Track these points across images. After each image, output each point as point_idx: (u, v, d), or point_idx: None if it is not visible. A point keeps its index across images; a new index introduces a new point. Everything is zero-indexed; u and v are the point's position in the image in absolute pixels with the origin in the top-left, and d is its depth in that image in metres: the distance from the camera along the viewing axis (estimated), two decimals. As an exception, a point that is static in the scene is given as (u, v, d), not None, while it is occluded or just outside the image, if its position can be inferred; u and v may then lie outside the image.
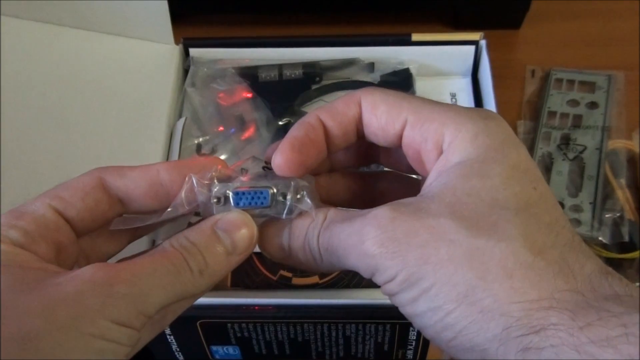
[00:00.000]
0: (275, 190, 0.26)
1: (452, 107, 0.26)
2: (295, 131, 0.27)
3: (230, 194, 0.26)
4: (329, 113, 0.27)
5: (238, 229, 0.26)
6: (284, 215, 0.26)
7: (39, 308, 0.21)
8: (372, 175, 0.32)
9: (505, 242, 0.22)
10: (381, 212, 0.24)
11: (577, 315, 0.20)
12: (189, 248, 0.24)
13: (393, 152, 0.30)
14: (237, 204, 0.26)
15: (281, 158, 0.26)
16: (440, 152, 0.25)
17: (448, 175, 0.24)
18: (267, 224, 0.27)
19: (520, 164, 0.24)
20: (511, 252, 0.22)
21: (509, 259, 0.22)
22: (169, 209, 0.26)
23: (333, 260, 0.26)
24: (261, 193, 0.26)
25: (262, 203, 0.26)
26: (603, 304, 0.21)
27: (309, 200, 0.26)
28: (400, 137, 0.27)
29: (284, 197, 0.26)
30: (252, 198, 0.26)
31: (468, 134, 0.25)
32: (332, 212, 0.26)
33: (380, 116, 0.27)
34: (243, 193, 0.26)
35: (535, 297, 0.21)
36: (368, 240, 0.23)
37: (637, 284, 0.48)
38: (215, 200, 0.26)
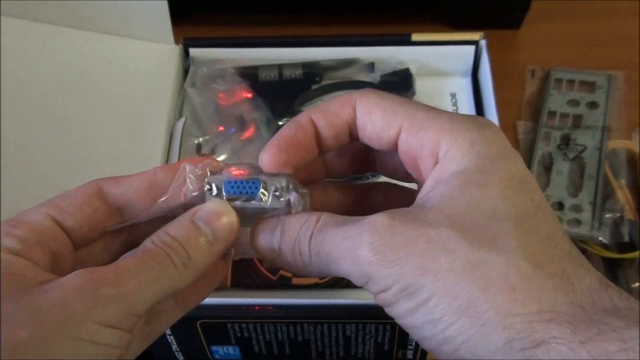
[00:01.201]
0: (266, 181, 0.26)
1: (448, 115, 0.26)
2: (284, 131, 0.27)
3: (223, 183, 0.26)
4: (321, 113, 0.27)
5: (218, 218, 0.25)
6: (268, 204, 0.26)
7: (26, 316, 0.20)
8: (367, 187, 0.32)
9: (506, 255, 0.22)
10: (378, 219, 0.23)
11: (577, 329, 0.20)
12: (171, 243, 0.24)
13: (389, 158, 0.29)
14: (228, 192, 0.26)
15: (267, 157, 0.26)
16: (436, 160, 0.25)
17: (446, 186, 0.24)
18: (259, 223, 0.27)
19: (517, 174, 0.24)
20: (512, 265, 0.22)
21: (511, 271, 0.22)
22: (162, 199, 0.26)
23: (322, 266, 0.25)
24: (253, 183, 0.26)
25: (252, 193, 0.26)
26: (603, 318, 0.21)
27: (296, 193, 0.26)
28: (396, 143, 0.26)
29: (275, 188, 0.26)
30: (244, 187, 0.26)
31: (465, 142, 0.24)
32: (326, 215, 0.26)
33: (376, 121, 0.26)
34: (235, 182, 0.26)
35: (536, 310, 0.21)
36: (364, 246, 0.23)
37: (637, 283, 0.48)
38: (207, 187, 0.26)
